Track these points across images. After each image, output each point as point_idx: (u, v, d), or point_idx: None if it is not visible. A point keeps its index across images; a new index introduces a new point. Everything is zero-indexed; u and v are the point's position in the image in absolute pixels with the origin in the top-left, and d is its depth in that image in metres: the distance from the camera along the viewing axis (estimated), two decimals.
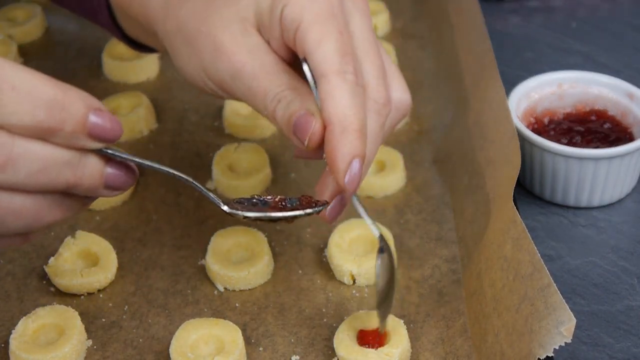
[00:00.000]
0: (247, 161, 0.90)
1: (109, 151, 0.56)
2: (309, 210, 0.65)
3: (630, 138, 0.89)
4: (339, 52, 0.63)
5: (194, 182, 0.63)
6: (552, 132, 0.91)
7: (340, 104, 0.62)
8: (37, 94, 0.52)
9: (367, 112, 0.65)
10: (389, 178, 0.88)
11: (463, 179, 0.86)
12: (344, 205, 0.68)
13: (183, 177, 0.63)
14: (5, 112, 0.52)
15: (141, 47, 0.82)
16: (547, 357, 0.61)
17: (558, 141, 0.88)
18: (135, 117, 0.95)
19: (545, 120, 0.92)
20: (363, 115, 0.63)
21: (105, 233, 0.84)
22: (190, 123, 0.98)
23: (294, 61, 0.67)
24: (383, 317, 0.70)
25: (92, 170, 0.56)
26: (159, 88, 1.03)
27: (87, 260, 0.80)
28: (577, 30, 1.16)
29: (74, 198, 0.57)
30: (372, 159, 0.67)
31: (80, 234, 0.81)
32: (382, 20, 1.12)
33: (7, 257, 0.82)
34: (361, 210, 0.68)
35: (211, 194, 0.64)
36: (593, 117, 0.92)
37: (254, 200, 0.66)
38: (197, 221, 0.86)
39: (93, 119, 0.54)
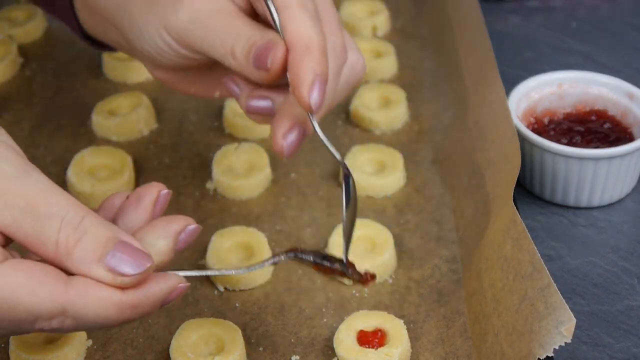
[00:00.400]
0: (247, 161, 0.90)
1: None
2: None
3: (630, 138, 0.89)
4: None
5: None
6: (552, 132, 0.91)
7: (303, 27, 0.64)
8: (100, 300, 0.55)
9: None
10: (389, 178, 0.88)
11: (463, 179, 0.86)
12: (301, 138, 0.67)
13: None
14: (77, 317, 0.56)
15: (101, 46, 0.82)
16: (547, 357, 0.61)
17: (558, 141, 0.88)
18: (135, 117, 0.95)
19: (545, 120, 0.92)
20: (324, 39, 0.64)
21: None
22: (190, 123, 0.98)
23: (253, 14, 0.68)
24: (347, 245, 0.68)
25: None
26: (159, 88, 1.03)
27: None
28: (577, 30, 1.16)
29: None
30: (331, 95, 0.67)
31: None
32: (382, 20, 1.12)
33: None
34: (322, 135, 0.66)
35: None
36: (593, 117, 0.92)
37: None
38: (197, 221, 0.85)
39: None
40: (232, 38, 0.66)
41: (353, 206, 0.68)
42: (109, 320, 0.56)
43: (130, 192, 0.62)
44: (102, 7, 0.74)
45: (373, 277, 0.69)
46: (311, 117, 0.65)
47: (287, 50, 0.64)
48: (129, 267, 0.55)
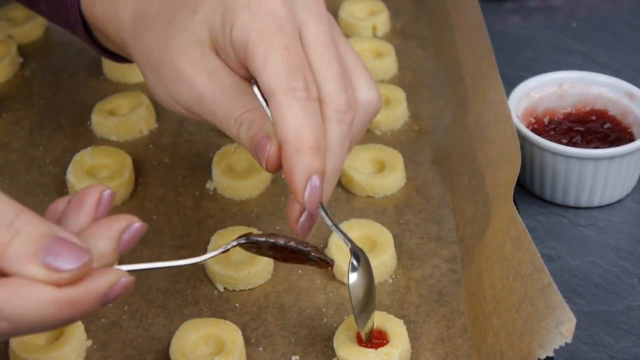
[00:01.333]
0: (247, 161, 0.90)
1: None
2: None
3: (630, 138, 0.89)
4: (286, 70, 0.63)
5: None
6: (552, 132, 0.91)
7: (291, 123, 0.63)
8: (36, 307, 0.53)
9: (327, 122, 0.65)
10: (389, 178, 0.88)
11: (463, 179, 0.86)
12: (313, 221, 0.69)
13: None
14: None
15: (121, 59, 0.82)
16: (547, 357, 0.61)
17: (558, 141, 0.88)
18: (135, 117, 0.95)
19: (546, 120, 0.92)
20: (317, 130, 0.63)
21: None
22: (190, 123, 0.98)
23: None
24: (362, 325, 0.69)
25: None
26: None
27: None
28: (577, 30, 1.16)
29: None
30: (339, 168, 0.67)
31: None
32: (382, 20, 1.12)
33: None
34: (331, 224, 0.68)
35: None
36: (593, 117, 0.92)
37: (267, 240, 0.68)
38: (196, 221, 0.86)
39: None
40: (236, 126, 0.67)
41: (368, 291, 0.68)
42: (48, 320, 0.53)
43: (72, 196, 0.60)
44: (119, 45, 0.75)
45: (331, 263, 0.68)
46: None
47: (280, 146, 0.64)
48: (65, 263, 0.53)
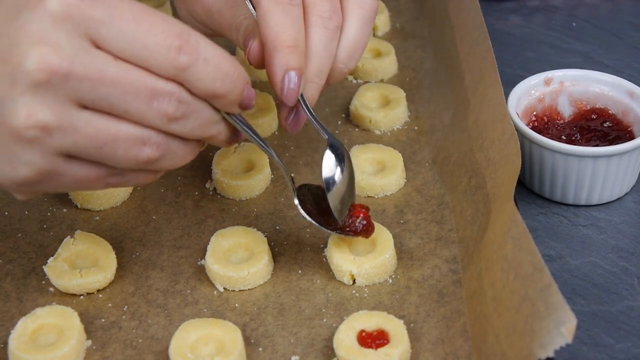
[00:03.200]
0: (247, 161, 0.90)
1: (234, 118, 0.69)
2: (343, 234, 0.77)
3: (630, 137, 0.89)
4: None
5: (285, 169, 0.76)
6: (552, 130, 0.91)
7: (271, 24, 0.72)
8: (220, 67, 0.65)
9: (311, 27, 0.74)
10: (389, 178, 0.88)
11: (463, 179, 0.85)
12: (298, 119, 0.77)
13: (278, 161, 0.75)
14: (194, 78, 0.64)
15: None
16: (548, 357, 0.61)
17: (558, 139, 0.88)
18: None
19: (546, 118, 0.92)
20: (296, 31, 0.72)
21: (104, 233, 0.83)
22: None
23: None
24: (338, 213, 0.76)
25: (225, 128, 0.70)
26: None
27: (86, 261, 0.80)
28: (577, 30, 1.16)
29: (200, 145, 0.70)
30: (323, 70, 0.75)
31: (79, 234, 0.81)
32: (382, 20, 1.12)
33: (7, 257, 0.82)
34: (311, 118, 0.76)
35: (290, 184, 0.76)
36: (593, 116, 0.92)
37: (321, 195, 0.77)
38: (196, 221, 0.86)
39: (247, 92, 0.68)
40: (235, 32, 0.78)
41: (349, 169, 0.76)
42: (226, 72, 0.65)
43: None
44: None
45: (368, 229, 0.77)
46: (300, 101, 0.75)
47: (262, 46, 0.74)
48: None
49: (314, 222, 0.76)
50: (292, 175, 0.78)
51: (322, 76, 0.75)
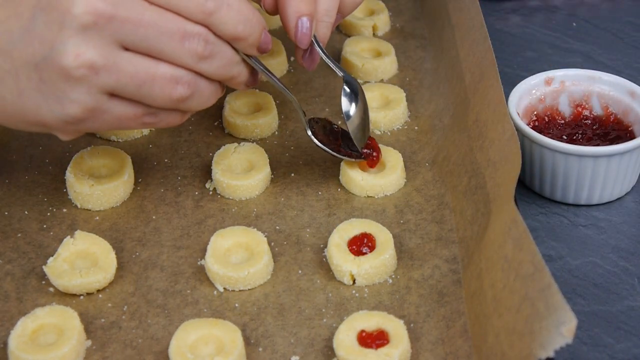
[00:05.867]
0: (247, 161, 0.90)
1: (252, 59, 0.77)
2: (354, 159, 0.87)
3: (631, 136, 0.89)
4: None
5: (298, 104, 0.85)
6: (553, 130, 0.91)
7: None
8: (242, 13, 0.73)
9: None
10: (389, 178, 0.88)
11: (463, 179, 0.85)
12: (313, 57, 0.85)
13: (290, 95, 0.84)
14: (219, 21, 0.72)
15: None
16: (548, 358, 0.61)
17: (559, 138, 0.88)
18: None
19: (546, 118, 0.92)
20: None
21: (104, 233, 0.83)
22: (190, 123, 0.98)
23: None
24: (360, 141, 0.86)
25: (244, 69, 0.77)
26: None
27: (86, 261, 0.79)
28: (577, 30, 1.16)
29: (221, 88, 0.77)
30: (331, 9, 0.82)
31: (79, 234, 0.81)
32: (382, 20, 1.12)
33: (7, 257, 0.82)
34: (325, 57, 0.84)
35: (302, 117, 0.86)
36: (594, 115, 0.92)
37: (328, 127, 0.88)
38: (196, 221, 0.85)
39: (264, 36, 0.76)
40: None
41: (363, 101, 0.86)
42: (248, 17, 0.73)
43: None
44: None
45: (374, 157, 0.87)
46: (313, 41, 0.82)
47: None
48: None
49: (326, 149, 0.85)
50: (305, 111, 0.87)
51: (331, 14, 0.83)
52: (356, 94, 0.85)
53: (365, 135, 0.87)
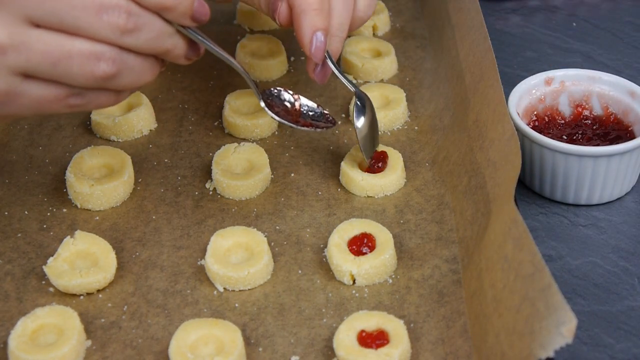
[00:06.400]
0: (247, 161, 0.90)
1: (190, 31, 0.73)
2: (318, 130, 0.86)
3: (631, 136, 0.89)
4: None
5: (245, 71, 0.82)
6: (553, 130, 0.91)
7: None
8: None
9: None
10: (389, 178, 0.88)
11: (463, 179, 0.85)
12: (325, 71, 0.85)
13: (239, 67, 0.81)
14: None
15: None
16: (548, 357, 0.61)
17: (559, 138, 0.88)
18: (135, 117, 0.95)
19: (546, 118, 0.92)
20: None
21: (104, 233, 0.83)
22: (190, 123, 0.98)
23: None
24: (367, 154, 0.87)
25: (180, 41, 0.73)
26: (158, 88, 1.03)
27: (86, 261, 0.79)
28: (577, 30, 1.16)
29: (159, 63, 0.73)
30: (344, 23, 0.83)
31: (79, 234, 0.81)
32: (382, 20, 1.12)
33: (6, 257, 0.82)
34: (338, 73, 0.85)
35: (255, 89, 0.84)
36: (594, 115, 0.92)
37: (283, 97, 0.87)
38: (196, 221, 0.85)
39: (197, 4, 0.71)
40: None
41: (371, 123, 0.87)
42: None
43: None
44: None
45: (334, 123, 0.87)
46: (326, 55, 0.83)
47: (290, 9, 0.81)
48: None
49: (282, 120, 0.84)
50: (257, 81, 0.88)
51: (344, 29, 0.83)
52: (365, 108, 0.87)
53: (373, 147, 0.88)
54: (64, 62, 0.67)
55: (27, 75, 0.68)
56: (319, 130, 0.86)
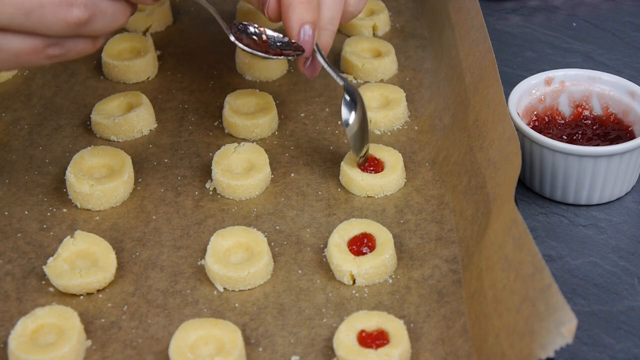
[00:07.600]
0: (247, 161, 0.90)
1: None
2: (288, 57, 0.83)
3: (631, 136, 0.89)
4: None
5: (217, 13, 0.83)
6: (553, 130, 0.91)
7: None
8: None
9: None
10: (389, 178, 0.88)
11: (463, 179, 0.85)
12: (314, 66, 0.85)
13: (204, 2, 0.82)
14: None
15: None
16: (548, 358, 0.61)
17: (559, 138, 0.88)
18: (135, 117, 0.95)
19: (546, 118, 0.92)
20: None
21: (104, 233, 0.83)
22: (190, 123, 0.98)
23: None
24: (357, 150, 0.86)
25: None
26: (158, 88, 1.03)
27: (86, 261, 0.80)
28: (577, 30, 1.16)
29: (130, 7, 0.74)
30: (335, 17, 0.82)
31: (79, 234, 0.81)
32: (382, 20, 1.12)
33: (6, 257, 0.82)
34: (326, 66, 0.84)
35: (222, 23, 0.83)
36: (594, 115, 0.92)
37: (250, 31, 0.85)
38: (196, 221, 0.85)
39: None
40: None
41: (361, 119, 0.85)
42: None
43: None
44: None
45: (301, 51, 0.83)
46: (315, 49, 0.83)
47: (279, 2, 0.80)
48: None
49: (254, 51, 0.83)
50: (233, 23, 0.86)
51: (335, 22, 0.83)
52: (355, 103, 0.85)
53: (363, 144, 0.87)
54: (37, 12, 0.68)
55: (2, 29, 0.68)
56: (290, 58, 0.84)
